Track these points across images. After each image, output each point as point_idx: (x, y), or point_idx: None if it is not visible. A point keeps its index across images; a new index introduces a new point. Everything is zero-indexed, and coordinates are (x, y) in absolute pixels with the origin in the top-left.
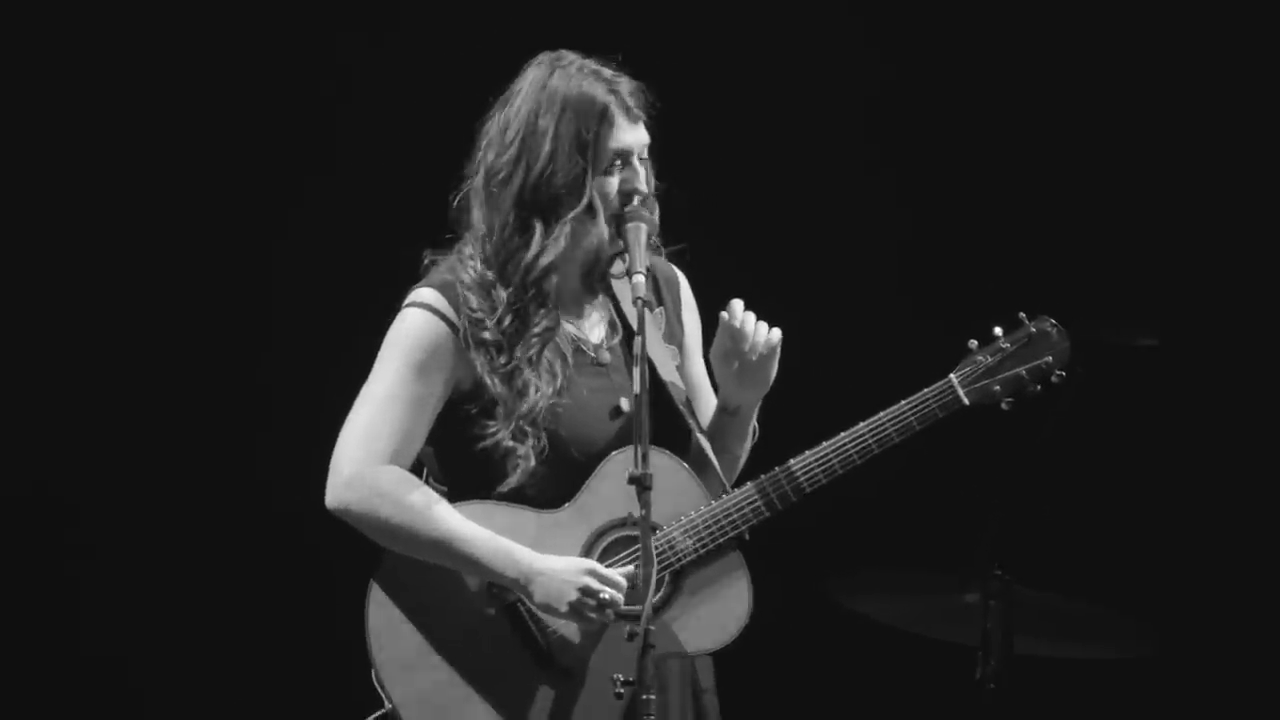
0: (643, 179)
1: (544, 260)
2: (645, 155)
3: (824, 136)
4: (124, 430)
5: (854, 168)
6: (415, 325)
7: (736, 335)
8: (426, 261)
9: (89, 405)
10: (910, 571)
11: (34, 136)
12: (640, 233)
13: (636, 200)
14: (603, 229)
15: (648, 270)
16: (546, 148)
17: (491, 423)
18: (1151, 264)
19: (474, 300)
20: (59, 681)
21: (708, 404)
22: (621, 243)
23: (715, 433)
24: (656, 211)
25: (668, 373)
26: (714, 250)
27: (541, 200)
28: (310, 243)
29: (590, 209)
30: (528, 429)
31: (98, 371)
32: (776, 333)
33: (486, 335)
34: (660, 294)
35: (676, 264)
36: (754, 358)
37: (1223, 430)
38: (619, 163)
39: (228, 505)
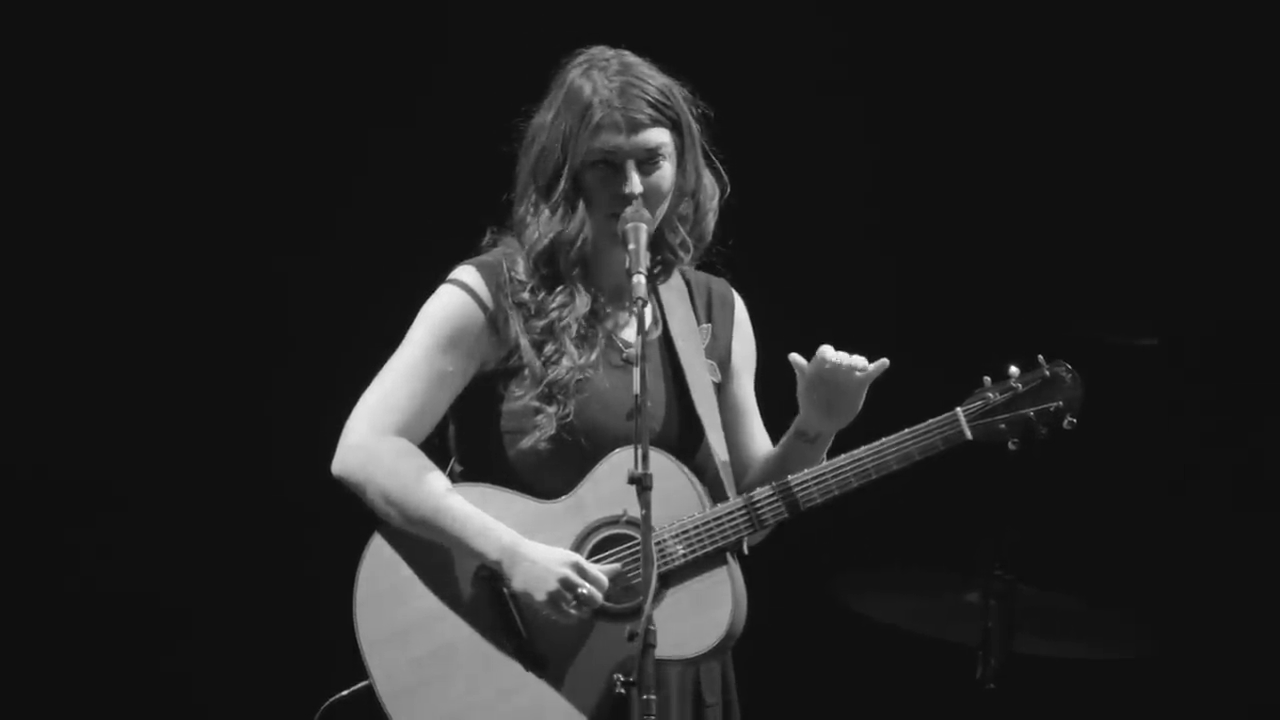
0: (630, 182)
1: (541, 244)
2: (652, 159)
3: (817, 136)
4: (135, 417)
5: (853, 166)
6: (447, 302)
7: (830, 368)
8: (488, 238)
9: (102, 394)
10: (911, 571)
11: (54, 133)
12: (640, 233)
13: (637, 203)
14: (581, 221)
15: (657, 272)
16: (543, 138)
17: (519, 390)
18: (1151, 264)
19: (520, 264)
20: (64, 667)
21: (752, 426)
22: (623, 241)
23: (787, 458)
24: (649, 215)
25: (697, 381)
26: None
27: (539, 184)
28: (324, 236)
29: (570, 201)
30: (556, 394)
31: (111, 362)
32: (872, 367)
33: (525, 297)
34: (711, 312)
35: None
36: (850, 384)
37: (1223, 430)
38: (600, 162)
39: (230, 481)
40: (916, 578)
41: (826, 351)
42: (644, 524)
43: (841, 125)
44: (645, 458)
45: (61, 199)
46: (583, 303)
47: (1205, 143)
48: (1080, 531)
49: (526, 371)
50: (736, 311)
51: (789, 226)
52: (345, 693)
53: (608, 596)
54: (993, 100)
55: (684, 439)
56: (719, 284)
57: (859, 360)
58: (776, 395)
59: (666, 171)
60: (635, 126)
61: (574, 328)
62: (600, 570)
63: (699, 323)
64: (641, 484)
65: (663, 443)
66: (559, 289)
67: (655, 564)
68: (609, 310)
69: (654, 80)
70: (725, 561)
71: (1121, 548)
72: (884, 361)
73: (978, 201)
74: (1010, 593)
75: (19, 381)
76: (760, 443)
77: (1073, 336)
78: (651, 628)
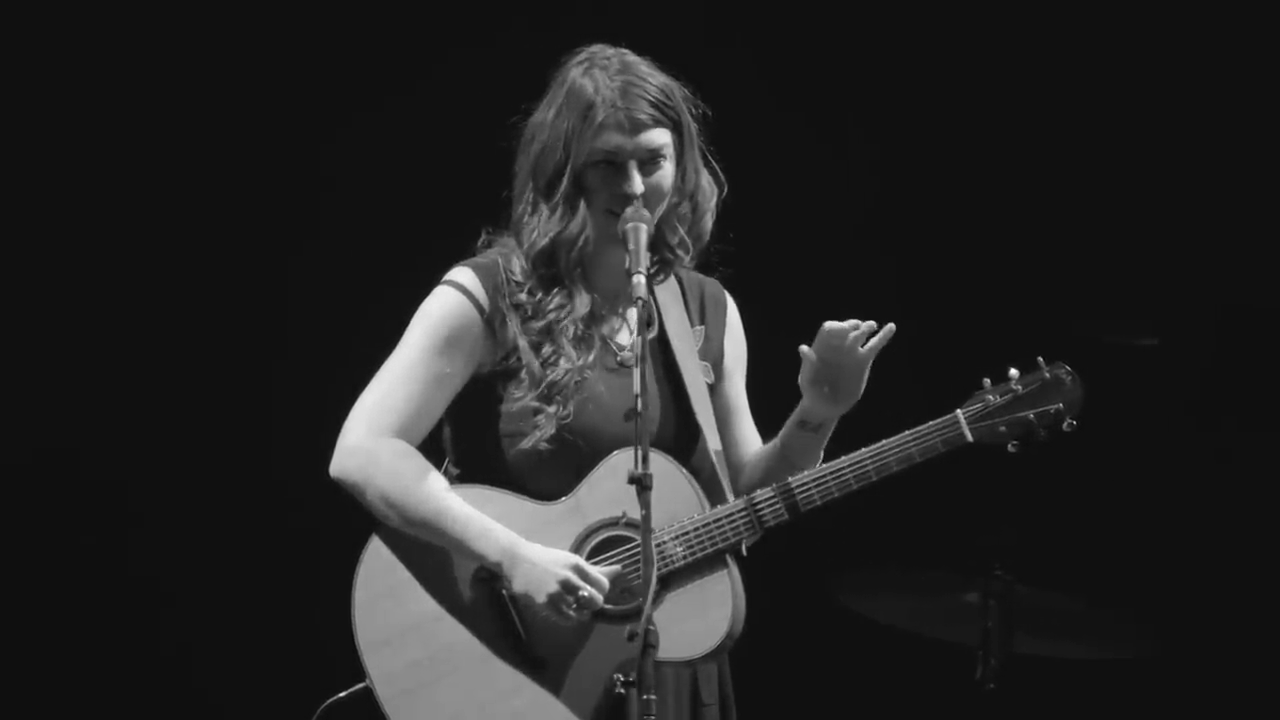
0: (632, 182)
1: (541, 243)
2: (654, 160)
3: (816, 136)
4: (135, 419)
5: (853, 166)
6: (443, 304)
7: (837, 343)
8: (483, 239)
9: (102, 396)
10: (911, 571)
11: (60, 133)
12: (640, 234)
13: (637, 204)
14: (583, 221)
15: (655, 272)
16: (545, 137)
17: (518, 391)
18: (1151, 264)
19: (517, 265)
20: (63, 668)
21: (744, 426)
22: (623, 240)
23: (788, 450)
24: (653, 216)
25: (693, 383)
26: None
27: (540, 184)
28: (324, 234)
29: (572, 201)
30: (555, 395)
31: (110, 364)
32: (875, 340)
33: (523, 298)
34: (704, 313)
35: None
36: (854, 362)
37: (1223, 430)
38: (603, 162)
39: (231, 481)
40: (916, 578)
41: (829, 324)
42: (644, 524)
43: (841, 125)
44: (645, 458)
45: (64, 204)
46: (582, 304)
47: (1204, 142)
48: (1080, 531)
49: (524, 373)
50: (729, 313)
51: (787, 228)
52: (343, 694)
53: (607, 598)
54: (992, 100)
55: (680, 440)
56: (711, 285)
57: (864, 325)
58: (774, 395)
59: (667, 172)
60: (638, 127)
61: (571, 329)
62: (600, 572)
63: (692, 324)
64: (641, 484)
65: (659, 444)
66: (556, 290)
67: (655, 565)
68: (604, 313)
69: (655, 80)
70: (725, 563)
71: (1121, 548)
72: (890, 327)
73: (977, 202)
74: (1010, 593)
75: (17, 384)
76: (752, 443)
77: (1072, 336)
78: (652, 628)
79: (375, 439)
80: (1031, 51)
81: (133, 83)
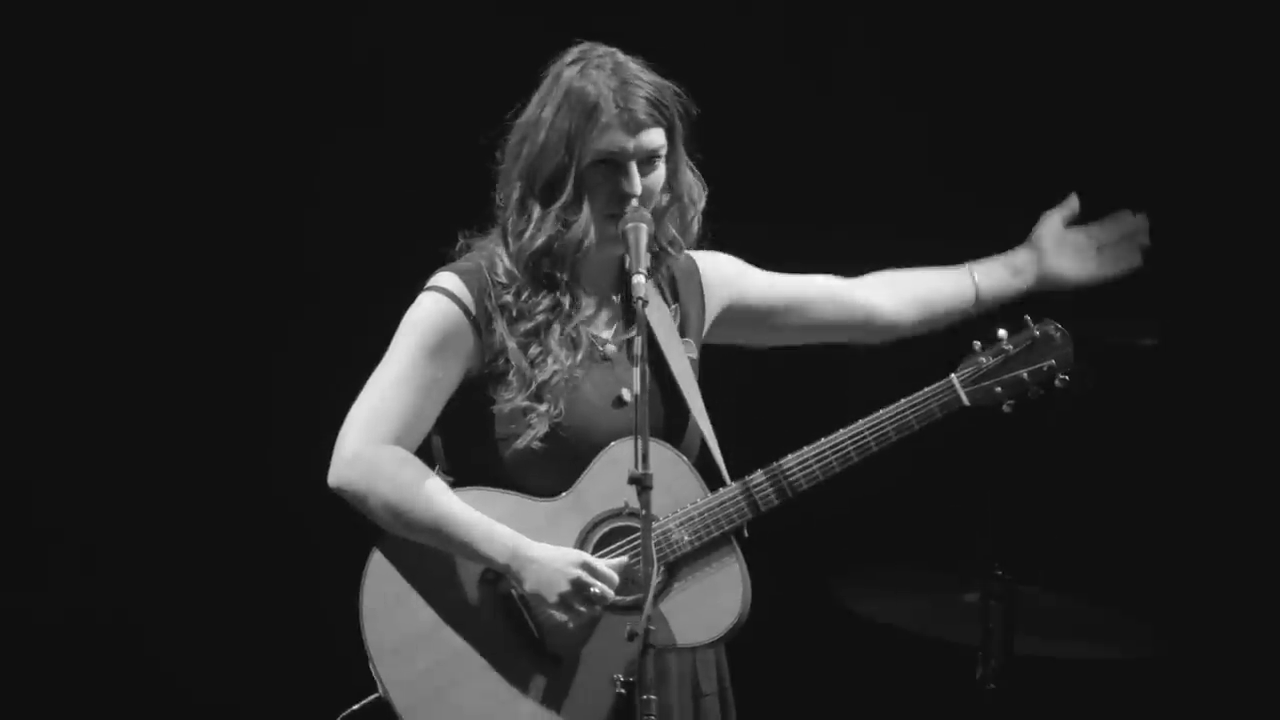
0: (633, 183)
1: (535, 243)
2: (651, 160)
3: (817, 131)
4: (135, 428)
5: (852, 159)
6: (430, 310)
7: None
8: (461, 243)
9: (102, 403)
10: (911, 571)
11: (47, 127)
12: (640, 233)
13: (634, 203)
14: (587, 222)
15: (650, 271)
16: (541, 136)
17: (508, 393)
18: (1151, 264)
19: (500, 267)
20: (66, 682)
21: (814, 282)
22: (621, 242)
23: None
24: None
25: (678, 365)
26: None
27: (535, 186)
28: (323, 235)
29: (574, 201)
30: (545, 394)
31: (109, 375)
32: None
33: (508, 299)
34: (676, 290)
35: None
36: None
37: (1223, 430)
38: (604, 162)
39: (231, 492)
40: (916, 578)
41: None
42: (644, 525)
43: (840, 121)
44: (645, 458)
45: (63, 211)
46: (576, 305)
47: (1205, 142)
48: (1081, 531)
49: (513, 374)
50: (701, 274)
51: (788, 213)
52: (356, 706)
53: (616, 591)
54: (993, 95)
55: (670, 424)
56: (680, 260)
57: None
58: (771, 394)
59: (661, 171)
60: (639, 127)
61: (559, 330)
62: (609, 565)
63: (668, 304)
64: (642, 484)
65: (651, 429)
66: (544, 292)
67: (656, 564)
68: (585, 310)
69: (649, 80)
70: (731, 547)
71: (1121, 547)
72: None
73: (977, 199)
74: (1010, 593)
75: (18, 396)
76: (835, 284)
77: (1073, 336)
78: (651, 628)
79: (374, 447)
80: (1035, 47)
81: (125, 85)
